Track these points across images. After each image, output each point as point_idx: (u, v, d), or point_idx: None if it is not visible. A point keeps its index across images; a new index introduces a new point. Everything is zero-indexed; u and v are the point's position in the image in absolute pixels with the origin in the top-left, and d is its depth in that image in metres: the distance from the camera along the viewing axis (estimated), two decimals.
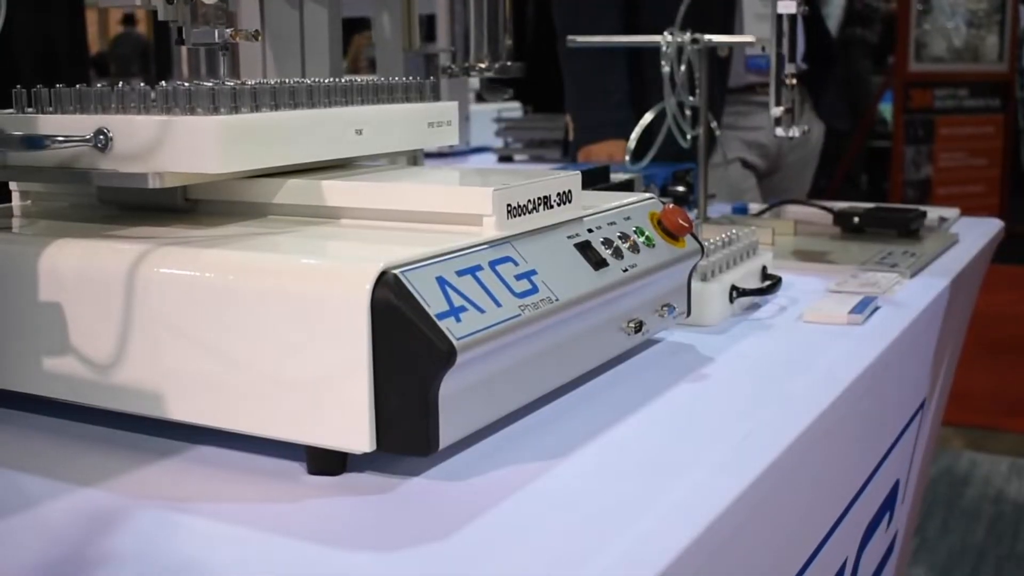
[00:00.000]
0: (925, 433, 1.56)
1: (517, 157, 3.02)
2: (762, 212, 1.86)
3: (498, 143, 3.12)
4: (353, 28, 4.70)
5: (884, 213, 1.71)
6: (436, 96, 1.15)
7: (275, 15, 1.35)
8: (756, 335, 1.16)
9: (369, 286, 0.73)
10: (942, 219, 1.80)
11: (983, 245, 1.71)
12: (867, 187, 8.42)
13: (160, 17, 1.07)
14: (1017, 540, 3.02)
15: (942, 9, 6.41)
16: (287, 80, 1.01)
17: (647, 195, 1.09)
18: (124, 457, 0.81)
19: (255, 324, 0.77)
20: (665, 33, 1.67)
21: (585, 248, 0.94)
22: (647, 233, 1.03)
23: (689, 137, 1.69)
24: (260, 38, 1.05)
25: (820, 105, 2.46)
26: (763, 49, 1.61)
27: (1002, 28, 6.61)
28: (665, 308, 1.06)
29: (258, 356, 0.77)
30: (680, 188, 1.93)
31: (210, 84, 0.91)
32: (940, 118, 6.48)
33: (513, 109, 3.27)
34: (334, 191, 0.93)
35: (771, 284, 1.28)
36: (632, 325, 0.99)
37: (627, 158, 1.75)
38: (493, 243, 0.85)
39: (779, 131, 1.61)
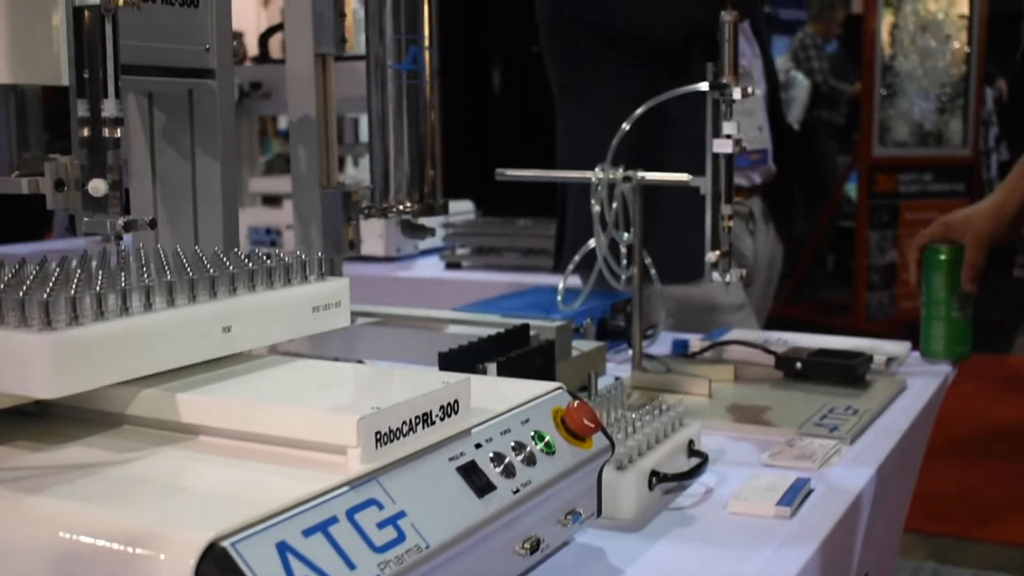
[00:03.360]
0: None
1: (465, 264, 2.93)
2: (704, 351, 1.77)
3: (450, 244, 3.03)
4: None
5: (828, 359, 1.62)
6: (326, 270, 1.06)
7: (166, 165, 1.26)
8: (675, 532, 1.07)
9: (193, 562, 0.63)
10: (890, 360, 1.71)
11: (933, 391, 1.62)
12: (833, 267, 8.40)
13: (49, 205, 0.98)
14: None
15: (905, 93, 6.41)
16: (146, 272, 0.91)
17: (553, 386, 1.00)
18: None
19: None
20: (596, 169, 1.60)
21: (469, 471, 0.84)
22: (547, 438, 0.93)
23: (624, 278, 1.61)
24: (155, 226, 0.95)
25: (783, 222, 2.39)
26: (699, 190, 1.53)
27: (966, 112, 6.61)
28: (569, 516, 0.96)
29: None
30: (620, 323, 1.84)
31: (47, 291, 0.81)
32: (905, 202, 6.46)
33: (465, 212, 3.19)
34: (188, 407, 0.83)
35: (697, 465, 1.19)
36: (527, 546, 0.90)
37: (558, 299, 1.66)
38: (355, 483, 0.75)
39: (715, 276, 1.53)
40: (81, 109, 0.87)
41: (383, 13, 1.49)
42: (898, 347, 1.80)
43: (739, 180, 2.26)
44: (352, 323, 1.54)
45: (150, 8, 1.12)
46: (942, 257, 1.73)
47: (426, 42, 1.50)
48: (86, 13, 0.86)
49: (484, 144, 5.81)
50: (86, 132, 0.88)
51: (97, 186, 0.91)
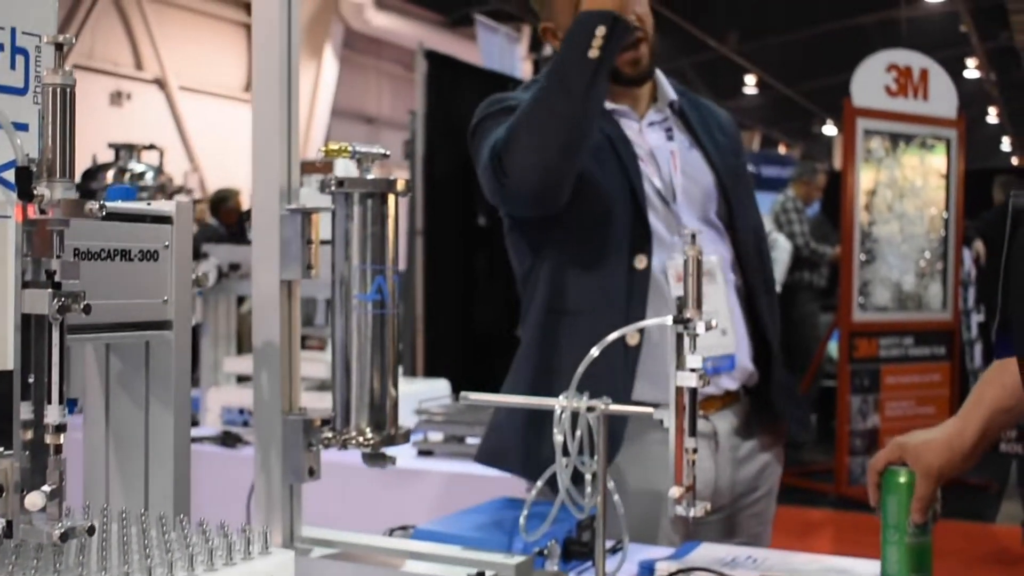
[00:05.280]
0: None
1: (437, 451, 2.90)
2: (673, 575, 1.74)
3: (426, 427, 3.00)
4: None
5: None
6: (272, 540, 1.04)
7: (120, 412, 1.25)
8: None
9: None
10: None
11: None
12: (817, 427, 8.35)
13: None
14: None
15: (885, 258, 6.47)
16: (83, 557, 0.89)
17: None
18: None
19: None
20: (560, 397, 1.59)
21: None
22: None
23: (587, 508, 1.59)
24: (93, 532, 0.92)
25: (777, 429, 2.24)
26: (662, 422, 1.52)
27: (945, 276, 6.67)
28: None
29: None
30: (586, 541, 1.81)
31: None
32: (886, 367, 6.47)
33: (440, 395, 3.18)
34: None
35: None
36: None
37: (521, 523, 1.63)
38: None
39: (679, 510, 1.51)
40: (25, 412, 0.86)
41: (350, 244, 1.49)
42: (869, 568, 1.77)
43: (707, 389, 2.04)
44: (308, 555, 1.51)
45: (109, 266, 1.13)
46: (901, 480, 1.70)
47: (390, 272, 1.51)
48: (34, 320, 0.86)
49: (466, 321, 5.85)
50: (29, 436, 0.87)
51: (35, 500, 0.89)
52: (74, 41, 0.99)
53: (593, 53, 1.94)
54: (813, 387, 7.73)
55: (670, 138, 2.17)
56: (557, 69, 1.98)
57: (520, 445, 2.05)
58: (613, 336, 1.59)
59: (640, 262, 2.04)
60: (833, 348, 7.14)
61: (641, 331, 2.00)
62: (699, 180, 2.15)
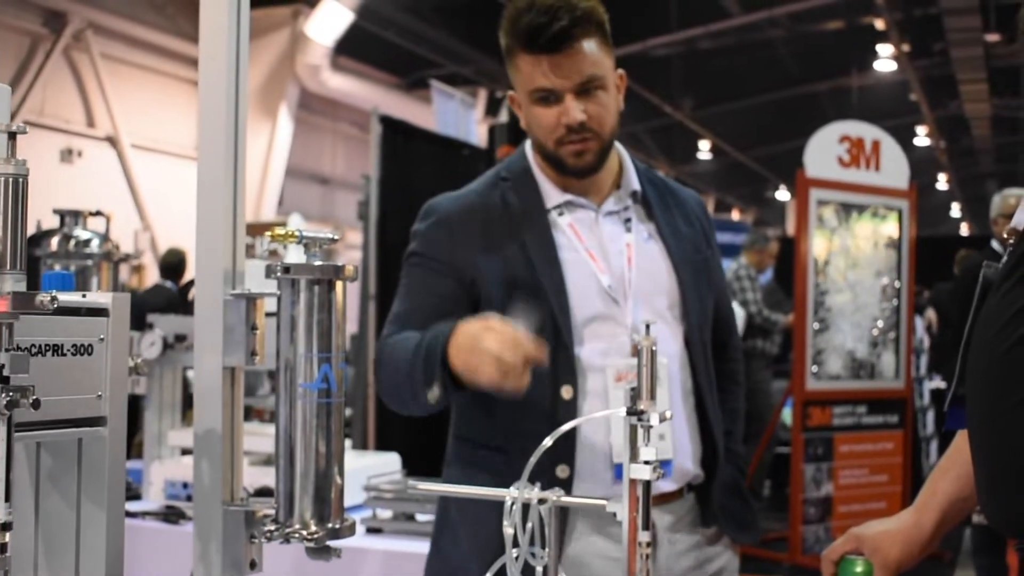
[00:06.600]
0: None
1: (387, 529, 2.84)
2: None
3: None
4: None
5: None
6: None
7: (50, 510, 1.19)
8: None
9: None
10: None
11: None
12: (771, 493, 8.34)
13: None
14: None
15: (838, 327, 6.49)
16: None
17: None
18: None
19: None
20: (512, 488, 1.55)
21: None
22: None
23: None
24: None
25: (734, 527, 2.15)
26: (615, 514, 1.48)
27: (897, 345, 6.70)
28: None
29: None
30: None
31: None
32: (839, 435, 6.47)
33: (391, 470, 3.12)
34: None
35: None
36: None
37: None
38: None
39: None
40: None
41: (295, 330, 1.45)
42: None
43: None
44: None
45: (40, 361, 1.08)
46: (858, 570, 1.68)
47: (336, 359, 1.47)
48: None
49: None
50: None
51: None
52: (26, 130, 0.95)
53: (432, 396, 1.90)
54: (767, 454, 7.72)
55: (628, 229, 2.08)
56: (414, 366, 1.93)
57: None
58: (561, 430, 1.57)
59: (567, 392, 1.97)
60: (787, 415, 7.13)
61: (571, 465, 1.96)
62: (654, 274, 2.07)
